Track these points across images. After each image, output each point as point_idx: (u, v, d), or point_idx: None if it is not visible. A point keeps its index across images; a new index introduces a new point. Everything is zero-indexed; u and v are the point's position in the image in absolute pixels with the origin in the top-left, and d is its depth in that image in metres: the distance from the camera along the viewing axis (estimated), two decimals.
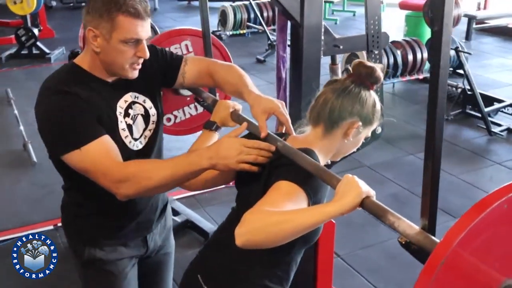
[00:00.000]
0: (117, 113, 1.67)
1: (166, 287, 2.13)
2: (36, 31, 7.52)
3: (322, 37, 2.14)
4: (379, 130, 2.45)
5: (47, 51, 7.50)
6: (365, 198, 1.23)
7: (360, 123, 1.53)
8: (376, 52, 2.30)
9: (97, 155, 1.55)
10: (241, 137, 1.61)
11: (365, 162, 4.50)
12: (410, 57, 6.08)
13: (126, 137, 1.70)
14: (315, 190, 1.38)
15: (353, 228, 3.65)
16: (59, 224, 1.84)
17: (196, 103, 2.07)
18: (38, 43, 7.50)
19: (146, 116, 1.77)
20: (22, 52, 7.51)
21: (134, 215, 1.83)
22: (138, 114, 1.74)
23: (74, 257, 1.86)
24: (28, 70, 7.07)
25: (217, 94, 2.34)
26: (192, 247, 3.41)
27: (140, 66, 1.66)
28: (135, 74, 1.66)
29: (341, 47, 2.21)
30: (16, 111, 5.30)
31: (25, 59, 7.44)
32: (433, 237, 1.14)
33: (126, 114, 1.70)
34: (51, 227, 3.51)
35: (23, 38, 7.41)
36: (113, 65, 1.62)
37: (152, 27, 3.54)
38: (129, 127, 1.71)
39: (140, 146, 1.75)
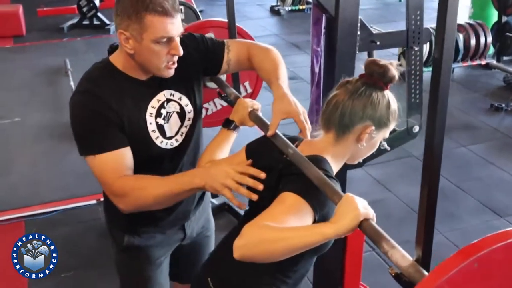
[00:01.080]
0: (147, 114, 1.67)
1: None
2: (97, 2, 7.67)
3: (358, 32, 2.06)
4: (416, 128, 2.34)
5: (107, 22, 7.65)
6: (364, 221, 1.19)
7: (373, 127, 1.46)
8: (417, 48, 2.20)
9: (106, 166, 1.59)
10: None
11: (413, 152, 4.36)
12: (473, 41, 5.81)
13: (157, 138, 1.70)
14: (322, 204, 1.34)
15: (391, 221, 3.56)
16: (102, 199, 1.93)
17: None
18: (99, 14, 7.66)
19: (181, 114, 1.76)
20: (84, 22, 7.69)
21: (171, 208, 1.84)
22: (173, 112, 1.74)
23: (113, 241, 1.92)
24: (88, 41, 7.25)
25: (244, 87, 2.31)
26: (227, 230, 3.43)
27: (175, 65, 1.64)
28: (171, 72, 1.65)
29: (378, 42, 2.13)
30: (72, 82, 5.45)
31: (86, 30, 7.62)
32: (425, 272, 1.08)
33: (158, 114, 1.70)
34: (94, 201, 3.63)
35: (85, 9, 7.58)
36: (149, 66, 1.62)
37: (194, 12, 3.52)
38: (160, 127, 1.70)
39: (176, 144, 1.75)
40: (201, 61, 1.79)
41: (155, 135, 1.70)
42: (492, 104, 5.27)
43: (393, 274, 1.34)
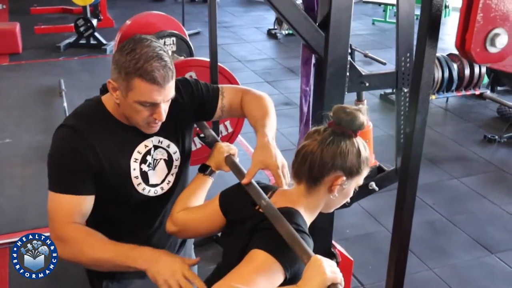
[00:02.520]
0: (132, 160, 1.65)
1: None
2: (95, 21, 7.68)
3: (347, 73, 2.05)
4: (373, 185, 2.30)
5: (104, 41, 7.65)
6: (331, 285, 1.16)
7: (344, 178, 1.43)
8: (406, 90, 2.19)
9: (62, 206, 1.57)
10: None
11: None
12: (467, 71, 5.83)
13: (139, 184, 1.68)
14: (293, 261, 1.31)
15: (381, 256, 3.52)
16: None
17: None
18: (96, 34, 7.66)
19: (169, 161, 1.74)
20: (80, 41, 7.69)
21: None
22: (160, 159, 1.72)
23: (91, 287, 1.88)
24: (84, 60, 7.24)
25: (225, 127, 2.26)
26: (216, 261, 3.39)
27: (158, 125, 1.63)
28: (152, 130, 1.64)
29: (367, 84, 2.12)
30: (65, 104, 5.42)
31: (83, 49, 7.61)
32: None
33: (143, 161, 1.67)
34: None
35: (82, 29, 7.58)
36: (130, 120, 1.61)
37: (186, 43, 3.51)
38: (144, 174, 1.68)
39: (161, 192, 1.73)
40: (194, 108, 1.77)
41: (137, 181, 1.67)
42: (485, 136, 5.27)
43: None
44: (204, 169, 1.72)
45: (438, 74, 5.68)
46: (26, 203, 3.97)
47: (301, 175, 1.46)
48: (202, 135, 1.96)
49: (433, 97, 5.78)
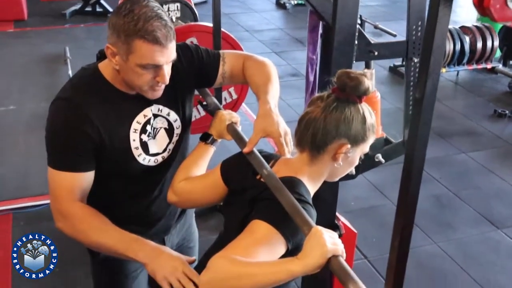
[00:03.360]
0: (131, 130, 1.60)
1: None
2: None
3: (356, 41, 1.98)
4: (379, 157, 2.25)
5: (110, 9, 7.55)
6: (332, 258, 1.11)
7: (349, 145, 1.37)
8: (416, 60, 2.11)
9: (62, 184, 1.54)
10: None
11: None
12: (479, 44, 5.71)
13: (139, 155, 1.63)
14: (295, 232, 1.27)
15: (386, 229, 3.49)
16: None
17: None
18: (102, 1, 7.56)
19: (169, 130, 1.69)
20: (86, 9, 7.59)
21: (152, 222, 1.81)
22: (160, 128, 1.67)
23: (89, 253, 1.86)
24: (89, 28, 7.16)
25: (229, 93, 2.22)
26: (218, 230, 3.37)
27: (161, 89, 1.56)
28: (156, 95, 1.57)
29: (376, 53, 2.05)
30: (70, 71, 5.37)
31: (88, 16, 7.53)
32: None
33: (143, 131, 1.62)
34: None
35: None
36: (132, 85, 1.54)
37: (191, 9, 3.42)
38: (144, 144, 1.63)
39: (161, 160, 1.69)
40: (195, 74, 1.71)
41: (137, 152, 1.63)
42: (495, 110, 5.18)
43: None
44: (206, 138, 1.67)
45: (449, 47, 5.56)
46: (29, 171, 3.96)
47: (304, 144, 1.41)
48: (204, 102, 1.91)
49: (443, 70, 5.68)
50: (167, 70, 1.51)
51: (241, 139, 1.57)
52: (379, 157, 2.25)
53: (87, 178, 1.57)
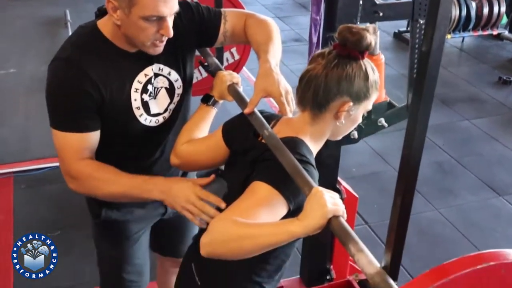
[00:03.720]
0: (132, 90, 1.57)
1: (188, 241, 2.10)
2: None
3: (360, 1, 1.94)
4: (382, 121, 2.22)
5: None
6: (333, 218, 1.09)
7: (351, 103, 1.34)
8: (422, 21, 2.07)
9: (69, 145, 1.51)
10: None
11: None
12: (486, 10, 5.61)
13: (140, 115, 1.61)
14: (296, 193, 1.25)
15: (387, 195, 3.48)
16: None
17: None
18: None
19: (170, 90, 1.65)
20: None
21: None
22: (161, 88, 1.63)
23: (90, 215, 1.84)
24: None
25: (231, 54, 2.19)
26: (220, 194, 3.38)
27: (163, 44, 1.52)
28: (157, 50, 1.53)
29: (381, 14, 2.00)
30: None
31: None
32: (391, 282, 0.99)
33: (144, 91, 1.59)
34: None
35: None
36: (134, 40, 1.50)
37: None
38: (145, 104, 1.60)
39: (162, 121, 1.66)
40: (196, 32, 1.67)
41: (139, 112, 1.60)
42: (500, 77, 5.13)
43: (356, 281, 1.25)
44: (207, 99, 1.64)
45: (455, 12, 5.47)
46: (30, 133, 3.95)
47: (306, 102, 1.38)
48: (205, 63, 1.87)
49: (448, 36, 5.59)
50: (170, 23, 1.47)
51: (242, 99, 1.54)
52: (382, 121, 2.23)
53: (94, 137, 1.55)
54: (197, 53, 1.78)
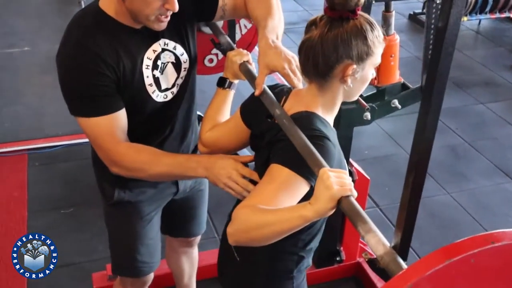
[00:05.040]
0: (144, 67, 1.56)
1: (200, 223, 2.13)
2: None
3: None
4: (395, 103, 2.19)
5: None
6: (342, 198, 1.08)
7: (354, 65, 1.30)
8: (438, 1, 2.03)
9: (102, 130, 1.50)
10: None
11: None
12: None
13: (153, 92, 1.60)
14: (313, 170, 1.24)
15: (398, 177, 3.47)
16: None
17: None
18: None
19: (177, 64, 1.64)
20: None
21: None
22: (168, 62, 1.62)
23: (102, 196, 1.85)
24: None
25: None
26: None
27: (167, 20, 1.50)
28: (162, 26, 1.51)
29: None
30: None
31: None
32: (401, 262, 0.98)
33: (155, 67, 1.58)
34: None
35: None
36: (138, 15, 1.47)
37: None
38: (156, 80, 1.60)
39: (171, 96, 1.65)
40: (195, 5, 1.65)
41: (151, 89, 1.59)
42: None
43: (366, 260, 1.24)
44: (222, 83, 1.62)
45: None
46: (44, 111, 3.97)
47: (309, 74, 1.36)
48: (218, 42, 1.86)
49: (465, 18, 5.51)
50: None
51: (253, 78, 1.52)
52: (396, 102, 2.21)
53: (122, 116, 1.54)
54: (209, 31, 1.76)
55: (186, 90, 1.70)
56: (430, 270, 0.79)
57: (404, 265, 0.96)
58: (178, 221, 2.08)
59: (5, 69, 4.61)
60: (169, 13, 1.48)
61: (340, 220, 2.58)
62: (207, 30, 2.49)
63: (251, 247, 1.35)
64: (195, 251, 2.29)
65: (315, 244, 1.53)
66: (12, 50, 4.91)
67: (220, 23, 2.04)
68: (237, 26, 2.51)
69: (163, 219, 1.97)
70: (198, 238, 2.22)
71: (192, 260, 2.32)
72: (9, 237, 2.87)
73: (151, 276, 2.02)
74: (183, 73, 1.67)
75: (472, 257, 0.79)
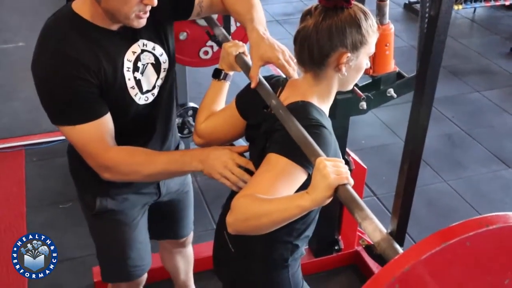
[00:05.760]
0: (125, 69, 1.51)
1: (187, 224, 2.11)
2: None
3: None
4: (391, 92, 2.20)
5: None
6: (339, 187, 1.09)
7: (349, 54, 1.32)
8: None
9: (90, 137, 1.46)
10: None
11: None
12: None
13: (135, 94, 1.56)
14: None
15: (395, 166, 3.48)
16: None
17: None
18: None
19: (157, 64, 1.60)
20: None
21: None
22: (147, 64, 1.58)
23: (84, 207, 1.82)
24: None
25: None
26: None
27: (147, 16, 1.46)
28: (141, 23, 1.46)
29: None
30: None
31: None
32: (398, 247, 1.00)
33: (135, 69, 1.54)
34: None
35: None
36: (116, 14, 1.41)
37: None
38: (138, 82, 1.56)
39: (151, 98, 1.62)
40: (171, 3, 1.62)
41: (134, 91, 1.55)
42: None
43: (363, 246, 1.26)
44: (218, 74, 1.61)
45: None
46: (40, 107, 3.92)
47: (304, 63, 1.38)
48: (213, 34, 1.86)
49: (459, 7, 5.52)
50: None
51: (249, 69, 1.53)
52: (391, 91, 2.21)
53: (108, 120, 1.50)
54: (204, 23, 1.76)
55: (165, 91, 1.67)
56: (426, 254, 0.81)
57: (400, 250, 0.97)
58: (166, 224, 2.05)
59: (0, 65, 4.60)
60: (148, 8, 1.44)
61: (338, 210, 2.59)
62: (202, 22, 2.49)
63: (245, 238, 1.36)
64: (189, 249, 2.27)
65: (309, 233, 1.55)
66: (6, 46, 4.91)
67: (215, 16, 2.03)
68: (232, 18, 2.51)
69: (151, 225, 1.94)
70: (190, 238, 2.19)
71: (187, 258, 2.30)
72: (9, 233, 2.89)
73: (145, 276, 2.00)
74: (162, 74, 1.63)
75: (467, 240, 0.81)
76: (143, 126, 1.66)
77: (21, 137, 3.63)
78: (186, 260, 2.31)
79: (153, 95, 1.63)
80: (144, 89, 1.59)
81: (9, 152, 3.53)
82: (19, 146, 3.56)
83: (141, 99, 1.59)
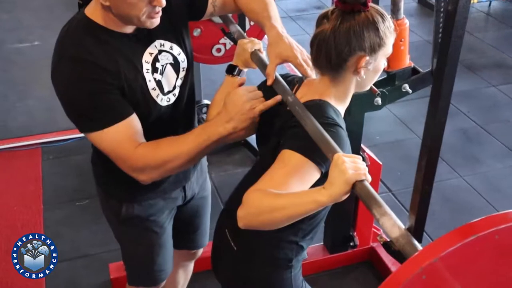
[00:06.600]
0: (144, 71, 1.51)
1: (205, 234, 2.09)
2: None
3: None
4: (406, 87, 2.18)
5: None
6: (357, 182, 1.09)
7: (367, 57, 1.32)
8: None
9: (118, 139, 1.44)
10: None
11: None
12: None
13: (157, 96, 1.55)
14: (325, 156, 1.24)
15: (411, 163, 3.47)
16: None
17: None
18: None
19: (175, 64, 1.60)
20: None
21: None
22: (166, 64, 1.57)
23: (110, 214, 1.81)
24: None
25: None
26: (243, 165, 3.42)
27: (159, 15, 1.45)
28: (155, 23, 1.46)
29: None
30: None
31: None
32: (416, 243, 0.99)
33: (154, 70, 1.53)
34: None
35: None
36: (128, 18, 1.42)
37: None
38: (159, 83, 1.55)
39: (173, 99, 1.61)
40: (185, 4, 1.63)
41: (155, 93, 1.55)
42: None
43: (381, 243, 1.26)
44: (232, 70, 1.61)
45: None
46: (56, 105, 3.90)
47: (321, 67, 1.38)
48: (228, 32, 1.86)
49: (475, 0, 5.47)
50: None
51: (265, 67, 1.53)
52: (406, 87, 2.20)
53: (136, 119, 1.48)
54: (219, 20, 1.76)
55: (186, 91, 1.66)
56: (456, 245, 0.80)
57: (419, 246, 0.97)
58: (185, 231, 2.02)
59: (16, 64, 4.65)
60: (159, 9, 1.43)
61: (353, 206, 2.59)
62: (216, 19, 2.50)
63: (250, 237, 1.37)
64: (192, 264, 2.26)
65: (313, 235, 1.55)
66: (22, 45, 4.95)
67: None
68: None
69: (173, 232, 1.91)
70: (200, 252, 2.16)
71: (187, 274, 2.29)
72: (26, 230, 2.91)
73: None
74: (182, 74, 1.63)
75: (496, 233, 0.81)
76: (166, 129, 1.61)
77: (37, 135, 3.67)
78: (185, 276, 2.29)
79: (174, 96, 1.62)
80: (165, 90, 1.58)
81: (25, 150, 3.56)
82: (35, 144, 3.60)
83: (163, 101, 1.58)
